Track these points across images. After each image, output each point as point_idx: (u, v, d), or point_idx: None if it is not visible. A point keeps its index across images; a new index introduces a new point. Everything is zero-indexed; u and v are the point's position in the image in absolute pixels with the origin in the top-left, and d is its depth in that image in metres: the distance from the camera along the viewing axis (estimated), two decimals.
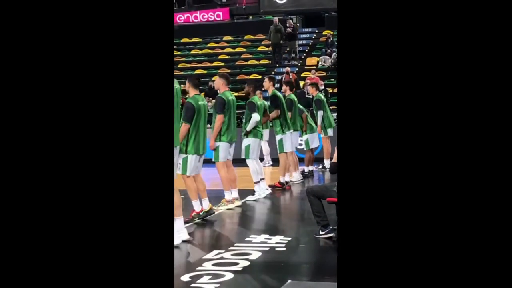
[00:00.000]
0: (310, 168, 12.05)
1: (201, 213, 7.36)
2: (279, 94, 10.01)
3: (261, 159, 11.04)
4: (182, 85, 7.10)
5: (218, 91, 8.51)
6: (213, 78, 8.58)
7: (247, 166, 9.26)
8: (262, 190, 9.31)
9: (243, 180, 9.68)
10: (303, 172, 11.57)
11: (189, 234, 6.36)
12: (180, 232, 6.14)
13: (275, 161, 12.37)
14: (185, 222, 6.43)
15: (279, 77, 18.06)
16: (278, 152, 10.19)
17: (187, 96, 7.57)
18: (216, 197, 8.31)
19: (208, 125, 8.07)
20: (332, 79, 19.50)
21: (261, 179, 9.33)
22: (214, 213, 7.58)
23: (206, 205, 7.47)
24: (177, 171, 6.27)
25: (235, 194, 8.58)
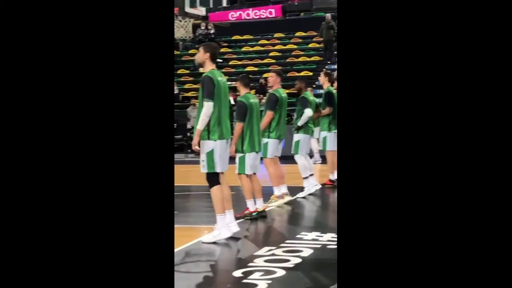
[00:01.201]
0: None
1: (254, 214, 7.39)
2: (333, 91, 9.93)
3: (310, 156, 11.03)
4: (232, 82, 7.16)
5: (270, 88, 8.52)
6: (264, 75, 8.51)
7: (295, 163, 9.25)
8: (311, 186, 9.28)
9: (292, 177, 9.67)
10: None
11: (241, 230, 6.40)
12: (231, 225, 6.20)
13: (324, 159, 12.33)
14: (236, 218, 6.47)
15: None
16: (325, 149, 10.12)
17: (237, 94, 7.60)
18: (265, 194, 8.34)
19: None
20: None
21: (310, 175, 9.30)
22: (266, 215, 7.58)
23: (260, 205, 7.50)
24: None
25: (284, 189, 8.58)
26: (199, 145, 5.98)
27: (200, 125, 5.91)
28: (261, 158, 8.26)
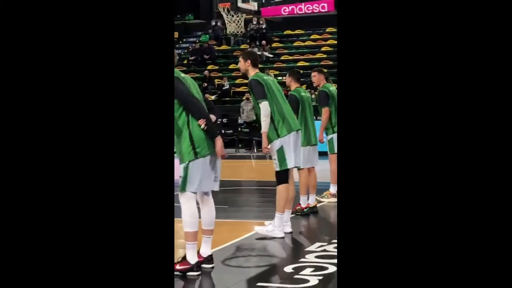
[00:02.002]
0: None
1: (305, 209, 7.36)
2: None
3: None
4: (283, 78, 7.09)
5: (318, 86, 8.47)
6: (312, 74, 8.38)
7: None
8: None
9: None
10: None
11: (292, 225, 6.37)
12: (285, 224, 6.22)
13: None
14: None
15: None
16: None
17: (288, 89, 7.59)
18: (319, 189, 8.26)
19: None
20: None
21: None
22: (317, 211, 7.53)
23: (313, 201, 7.48)
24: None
25: None
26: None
27: (264, 127, 5.94)
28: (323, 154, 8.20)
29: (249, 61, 6.11)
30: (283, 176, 6.06)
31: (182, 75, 4.98)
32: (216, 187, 5.07)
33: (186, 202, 4.90)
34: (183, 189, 4.84)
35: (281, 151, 5.98)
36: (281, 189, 6.08)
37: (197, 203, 5.03)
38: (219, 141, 4.82)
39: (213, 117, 5.05)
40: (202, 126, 4.74)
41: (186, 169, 4.82)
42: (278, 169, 6.03)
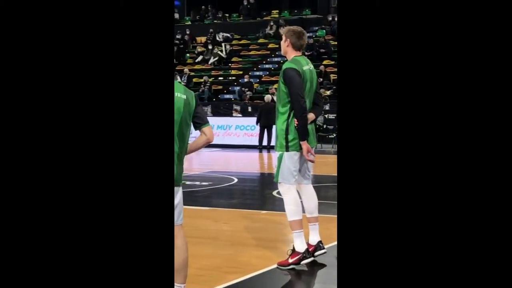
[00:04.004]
0: None
1: None
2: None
3: None
4: None
5: None
6: None
7: None
8: None
9: None
10: None
11: None
12: None
13: None
14: None
15: None
16: None
17: None
18: None
19: None
20: None
21: None
22: None
23: None
24: None
25: None
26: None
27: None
28: None
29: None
30: None
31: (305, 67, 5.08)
32: (307, 183, 5.18)
33: (286, 192, 5.00)
34: (276, 179, 5.02)
35: None
36: None
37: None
38: (305, 145, 4.91)
39: (311, 116, 5.08)
40: (295, 125, 4.90)
41: (279, 160, 4.99)
42: None
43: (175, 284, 4.26)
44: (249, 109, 21.02)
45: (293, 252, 4.99)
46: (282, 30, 5.36)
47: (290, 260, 4.95)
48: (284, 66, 5.06)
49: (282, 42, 5.18)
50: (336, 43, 24.46)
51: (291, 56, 5.15)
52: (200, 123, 3.95)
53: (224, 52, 26.13)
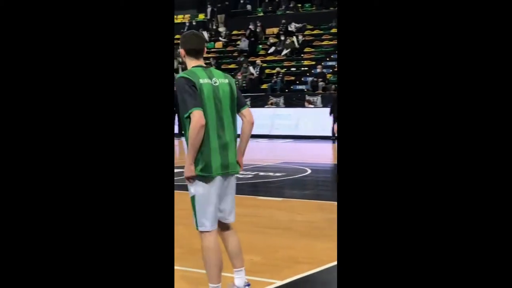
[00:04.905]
0: None
1: None
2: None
3: None
4: None
5: None
6: None
7: None
8: None
9: None
10: None
11: None
12: None
13: None
14: None
15: None
16: None
17: None
18: None
19: None
20: None
21: None
22: None
23: None
24: None
25: None
26: None
27: None
28: None
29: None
30: None
31: None
32: None
33: None
34: None
35: None
36: None
37: None
38: None
39: None
40: None
41: None
42: None
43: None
44: (320, 100, 20.89)
45: None
46: None
47: None
48: None
49: None
50: None
51: None
52: (240, 105, 3.96)
53: (296, 43, 26.08)
